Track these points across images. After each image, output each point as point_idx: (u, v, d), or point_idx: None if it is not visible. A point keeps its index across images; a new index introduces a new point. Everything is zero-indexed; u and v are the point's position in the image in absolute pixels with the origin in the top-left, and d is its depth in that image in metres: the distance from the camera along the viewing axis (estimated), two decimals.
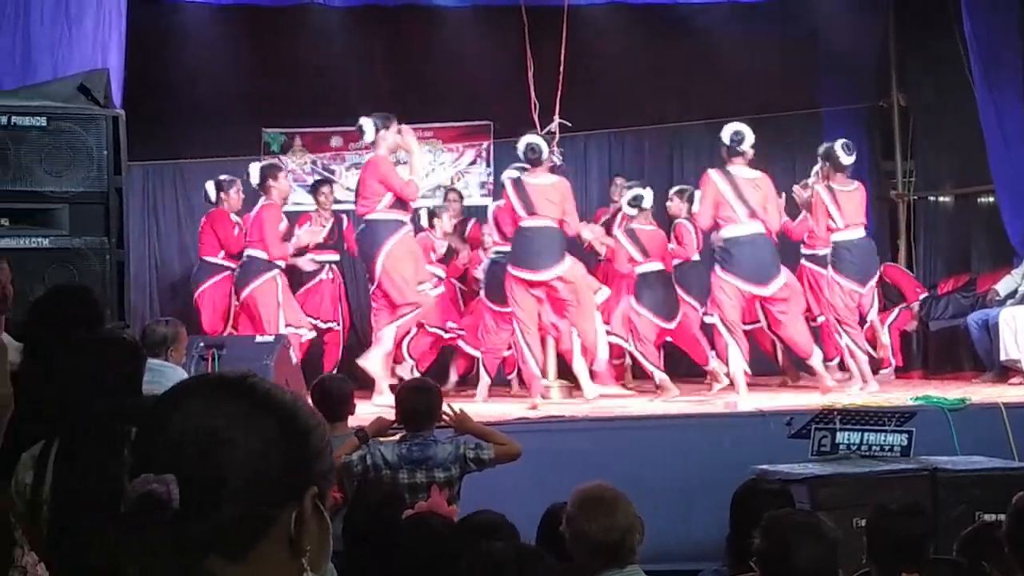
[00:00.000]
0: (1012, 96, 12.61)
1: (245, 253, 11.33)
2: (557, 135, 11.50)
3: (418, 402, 6.17)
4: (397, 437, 6.21)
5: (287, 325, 11.01)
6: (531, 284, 10.72)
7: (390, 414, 6.56)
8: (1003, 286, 12.27)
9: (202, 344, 9.05)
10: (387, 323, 10.67)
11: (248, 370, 1.71)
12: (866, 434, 7.75)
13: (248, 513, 1.56)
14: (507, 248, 11.22)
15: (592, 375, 11.09)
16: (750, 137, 10.69)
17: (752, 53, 13.86)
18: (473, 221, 13.42)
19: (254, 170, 11.53)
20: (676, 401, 10.85)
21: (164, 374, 5.81)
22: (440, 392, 6.44)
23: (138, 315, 11.68)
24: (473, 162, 14.98)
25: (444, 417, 6.32)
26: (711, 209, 10.65)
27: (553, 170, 11.15)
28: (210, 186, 12.21)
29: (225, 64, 13.61)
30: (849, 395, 10.38)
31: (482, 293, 11.90)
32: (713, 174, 10.75)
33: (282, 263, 11.29)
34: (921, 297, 13.29)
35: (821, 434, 7.75)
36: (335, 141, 14.88)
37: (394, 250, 10.51)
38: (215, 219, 12.03)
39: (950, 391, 10.43)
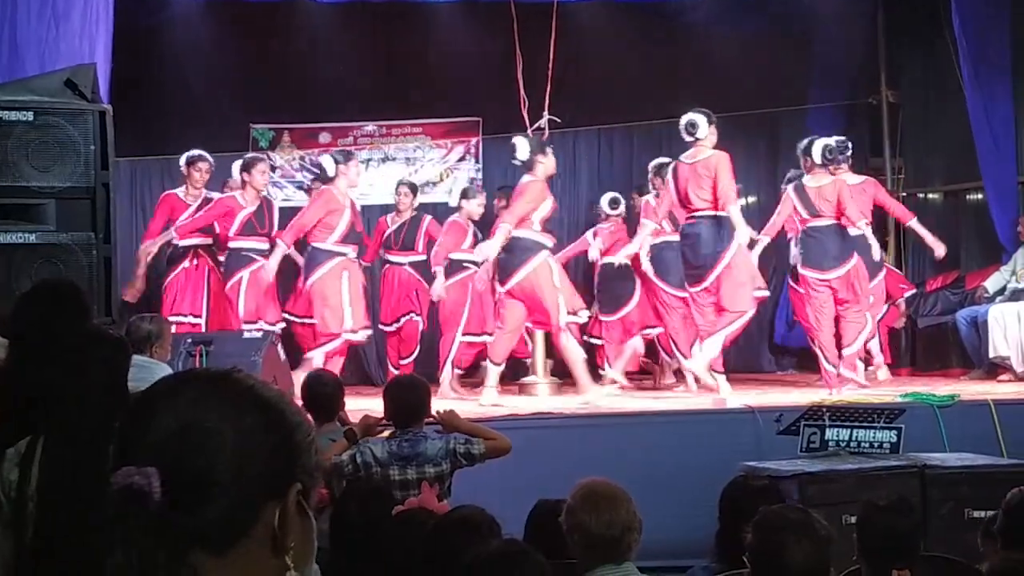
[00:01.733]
0: (1001, 93, 12.64)
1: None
2: (546, 132, 11.50)
3: (408, 398, 6.15)
4: (387, 434, 6.20)
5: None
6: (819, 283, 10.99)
7: (376, 412, 6.55)
8: (991, 283, 12.30)
9: (190, 340, 9.03)
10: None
11: (233, 366, 1.70)
12: (855, 431, 7.74)
13: (232, 508, 1.55)
14: None
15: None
16: None
17: (742, 50, 13.86)
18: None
19: (521, 145, 10.77)
20: (665, 397, 10.87)
21: (149, 370, 5.78)
22: (429, 388, 6.42)
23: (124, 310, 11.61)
24: (462, 158, 14.95)
25: (433, 415, 6.30)
26: None
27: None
28: (328, 161, 11.44)
29: (213, 59, 13.62)
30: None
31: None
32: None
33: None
34: (907, 294, 13.30)
35: (810, 431, 7.74)
36: (323, 137, 14.84)
37: None
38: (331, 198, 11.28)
39: (939, 388, 10.44)
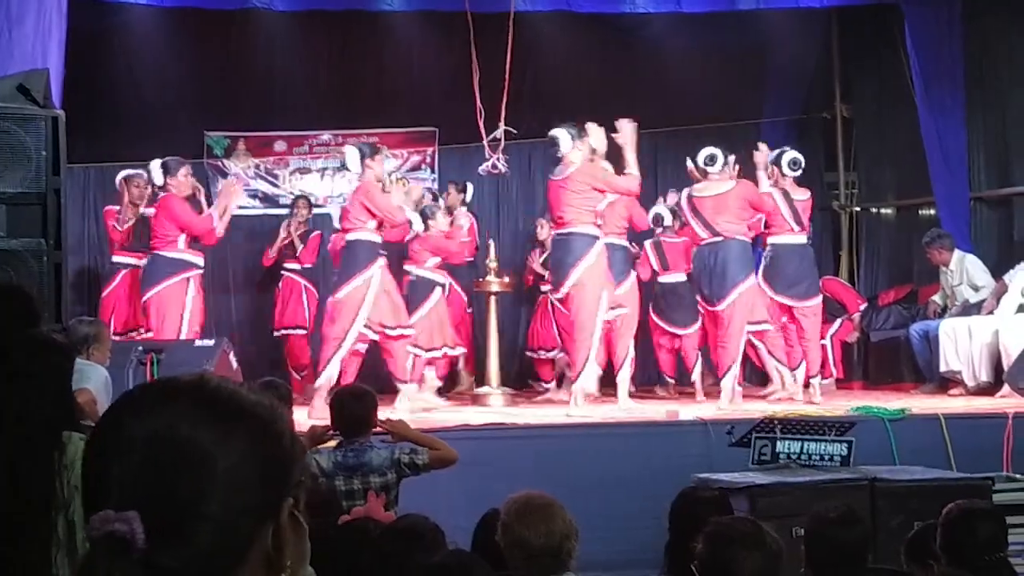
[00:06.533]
0: (952, 110, 12.76)
1: None
2: (502, 142, 11.50)
3: (354, 408, 6.13)
4: (333, 444, 6.18)
5: None
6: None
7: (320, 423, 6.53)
8: (942, 298, 12.38)
9: (140, 348, 8.94)
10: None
11: (203, 371, 1.58)
12: (806, 443, 7.75)
13: (223, 541, 1.40)
14: None
15: None
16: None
17: (697, 64, 13.92)
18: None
19: (351, 155, 10.97)
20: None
21: (84, 372, 5.77)
22: (376, 398, 6.40)
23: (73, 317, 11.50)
24: (418, 168, 14.94)
25: (381, 425, 6.28)
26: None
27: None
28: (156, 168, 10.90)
29: (167, 66, 13.54)
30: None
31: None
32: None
33: None
34: (861, 308, 13.37)
35: (762, 443, 7.75)
36: (279, 145, 14.81)
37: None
38: None
39: (890, 402, 10.49)
